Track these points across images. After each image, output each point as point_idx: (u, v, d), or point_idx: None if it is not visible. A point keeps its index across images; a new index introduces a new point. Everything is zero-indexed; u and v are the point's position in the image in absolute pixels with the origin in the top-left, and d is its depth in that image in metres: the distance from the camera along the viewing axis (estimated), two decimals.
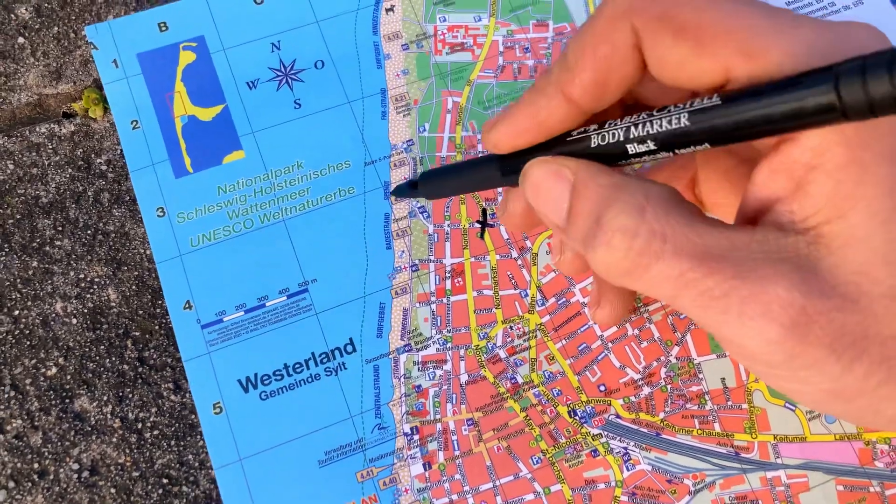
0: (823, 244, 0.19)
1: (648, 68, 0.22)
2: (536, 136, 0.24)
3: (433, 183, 0.29)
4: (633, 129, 0.21)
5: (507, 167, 0.25)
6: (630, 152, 0.22)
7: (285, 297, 0.33)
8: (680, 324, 0.32)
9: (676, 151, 0.21)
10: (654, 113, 0.21)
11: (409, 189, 0.30)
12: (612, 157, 0.22)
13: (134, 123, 0.35)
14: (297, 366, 0.32)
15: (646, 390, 0.31)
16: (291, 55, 0.36)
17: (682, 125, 0.20)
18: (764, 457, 0.30)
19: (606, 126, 0.23)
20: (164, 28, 0.36)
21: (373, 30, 0.37)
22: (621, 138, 0.22)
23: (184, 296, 0.33)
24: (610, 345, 0.32)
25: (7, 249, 0.47)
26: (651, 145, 0.21)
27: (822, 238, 0.20)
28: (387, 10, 0.37)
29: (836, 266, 0.19)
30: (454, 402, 0.31)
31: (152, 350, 0.45)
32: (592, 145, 0.23)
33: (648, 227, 0.20)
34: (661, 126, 0.21)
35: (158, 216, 0.34)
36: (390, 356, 0.32)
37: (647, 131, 0.21)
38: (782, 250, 0.20)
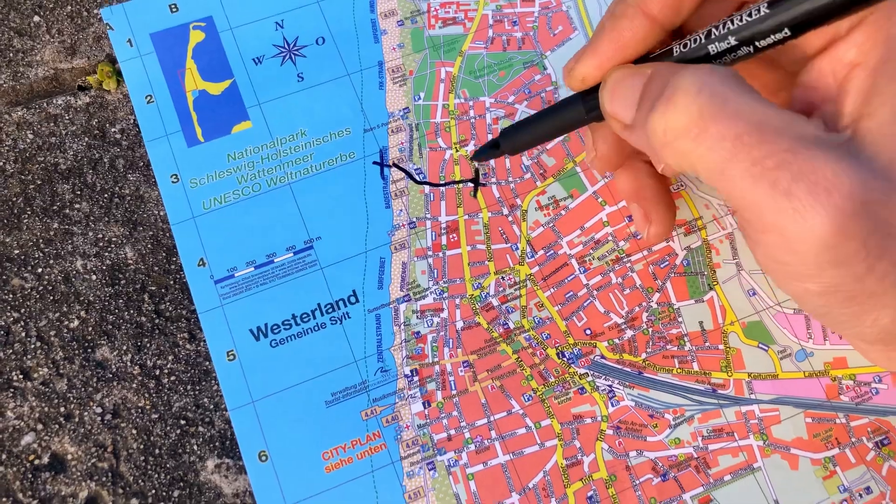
0: (860, 139, 0.19)
1: None
2: (622, 62, 0.23)
3: (515, 137, 0.28)
4: (714, 29, 0.21)
5: (591, 102, 0.25)
6: (711, 52, 0.21)
7: (292, 254, 0.34)
8: (660, 272, 0.33)
9: (757, 44, 0.21)
10: (734, 14, 0.21)
11: (491, 149, 0.28)
12: (694, 62, 0.22)
13: (148, 98, 0.36)
14: (305, 316, 0.33)
15: (629, 333, 0.32)
16: (294, 33, 0.37)
17: (762, 13, 0.20)
18: (739, 393, 0.31)
19: (687, 37, 0.22)
20: (174, 9, 0.37)
21: (370, 8, 0.37)
22: (702, 40, 0.21)
23: (197, 254, 0.34)
24: (595, 292, 0.33)
25: (29, 212, 0.48)
26: (732, 41, 0.21)
27: (858, 134, 0.19)
28: None
29: (871, 160, 0.19)
30: (451, 346, 0.32)
31: (168, 303, 0.46)
32: (675, 54, 0.22)
33: (711, 88, 0.20)
34: (741, 20, 0.20)
35: (173, 182, 0.35)
36: (391, 306, 0.33)
37: (729, 28, 0.21)
38: (832, 139, 0.19)
